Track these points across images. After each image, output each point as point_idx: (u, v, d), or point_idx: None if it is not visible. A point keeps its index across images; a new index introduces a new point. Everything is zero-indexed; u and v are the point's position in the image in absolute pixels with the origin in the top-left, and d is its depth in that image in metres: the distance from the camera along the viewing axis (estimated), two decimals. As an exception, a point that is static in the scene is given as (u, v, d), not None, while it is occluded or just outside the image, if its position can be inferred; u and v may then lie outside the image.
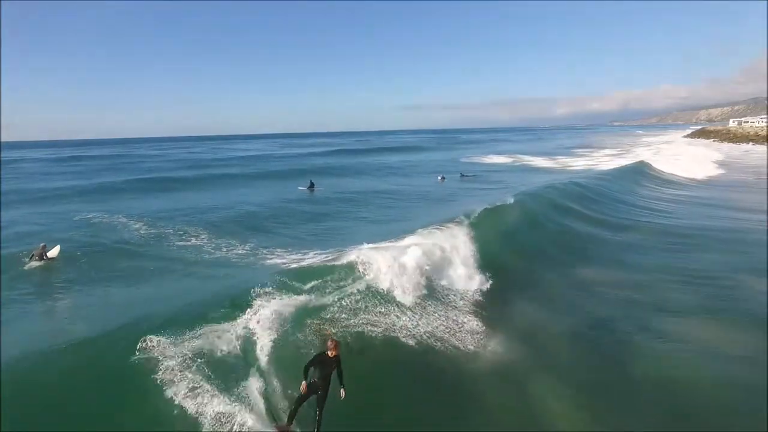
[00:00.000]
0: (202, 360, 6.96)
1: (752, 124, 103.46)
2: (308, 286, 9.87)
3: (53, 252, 14.71)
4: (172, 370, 6.68)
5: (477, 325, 10.13)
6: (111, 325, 8.15)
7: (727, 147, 68.23)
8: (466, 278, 11.92)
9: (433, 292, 11.07)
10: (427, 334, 9.43)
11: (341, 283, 10.27)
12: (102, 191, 32.42)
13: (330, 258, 12.09)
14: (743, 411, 7.38)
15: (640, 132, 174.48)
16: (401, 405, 7.58)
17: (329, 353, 6.42)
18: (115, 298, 11.34)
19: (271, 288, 9.30)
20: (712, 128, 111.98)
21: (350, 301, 9.74)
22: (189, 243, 16.44)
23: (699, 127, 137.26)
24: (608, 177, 30.73)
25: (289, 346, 7.98)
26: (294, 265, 12.18)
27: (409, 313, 9.98)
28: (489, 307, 11.04)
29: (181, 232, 17.83)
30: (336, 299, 9.70)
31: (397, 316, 9.76)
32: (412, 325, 9.64)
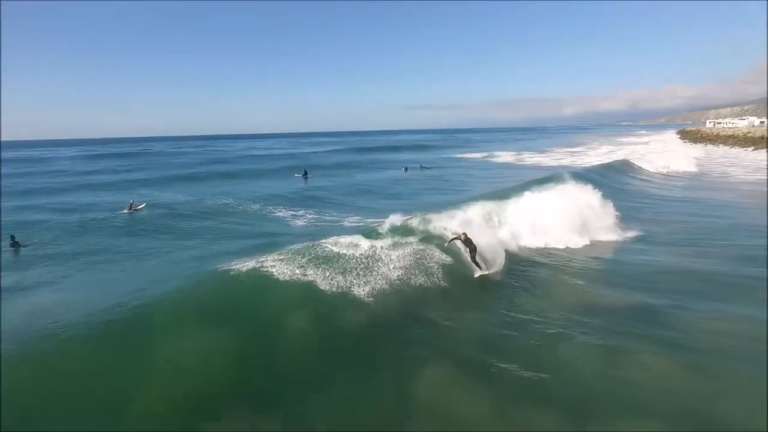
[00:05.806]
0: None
1: (723, 125, 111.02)
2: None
3: (141, 206, 24.32)
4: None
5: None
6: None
7: (691, 146, 76.35)
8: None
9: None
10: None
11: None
12: (147, 182, 41.52)
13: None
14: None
15: (643, 132, 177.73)
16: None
17: (462, 237, 12.17)
18: (187, 228, 20.91)
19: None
20: (689, 129, 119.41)
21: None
22: (219, 202, 26.73)
23: (687, 128, 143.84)
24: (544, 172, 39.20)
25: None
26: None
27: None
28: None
29: (215, 199, 27.82)
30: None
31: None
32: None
